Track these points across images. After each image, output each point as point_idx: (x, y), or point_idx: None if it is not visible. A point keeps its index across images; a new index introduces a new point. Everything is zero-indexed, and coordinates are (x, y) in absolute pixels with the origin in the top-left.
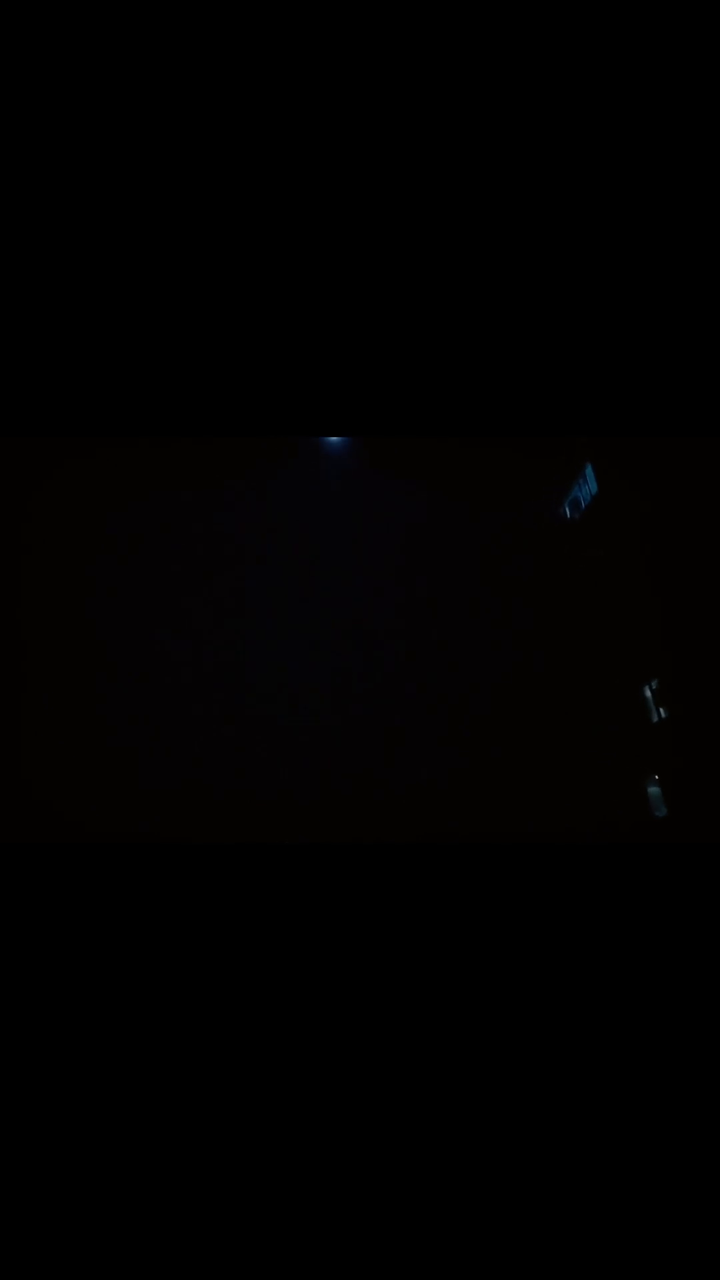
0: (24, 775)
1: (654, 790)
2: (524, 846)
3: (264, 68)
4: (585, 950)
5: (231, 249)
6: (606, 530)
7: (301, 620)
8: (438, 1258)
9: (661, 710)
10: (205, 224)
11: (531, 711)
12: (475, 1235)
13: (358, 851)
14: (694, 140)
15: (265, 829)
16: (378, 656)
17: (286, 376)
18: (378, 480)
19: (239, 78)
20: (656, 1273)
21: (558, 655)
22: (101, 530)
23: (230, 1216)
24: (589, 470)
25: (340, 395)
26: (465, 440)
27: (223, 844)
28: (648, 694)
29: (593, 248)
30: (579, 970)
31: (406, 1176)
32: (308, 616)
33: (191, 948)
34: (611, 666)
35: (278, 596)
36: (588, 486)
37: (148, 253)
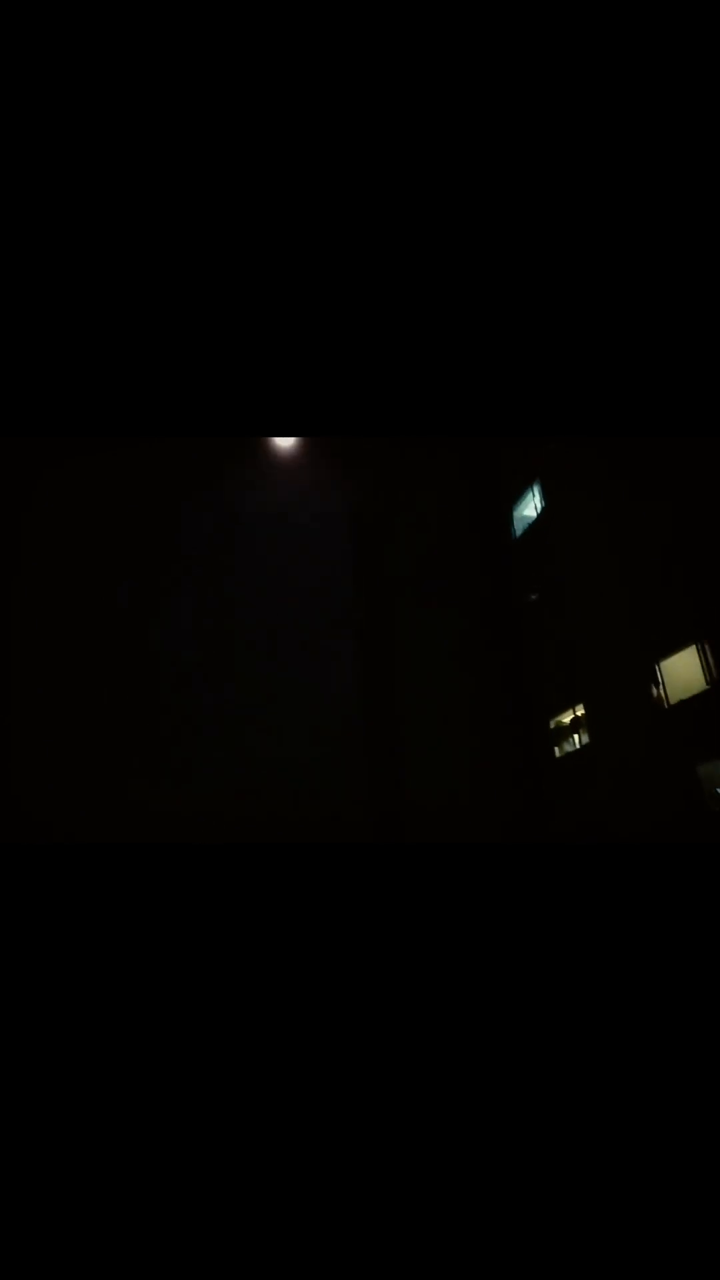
0: (16, 775)
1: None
2: (524, 847)
3: (257, 69)
4: (586, 952)
5: (228, 249)
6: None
7: (301, 620)
8: (438, 1258)
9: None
10: (201, 224)
11: (530, 711)
12: (475, 1236)
13: (357, 851)
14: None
15: (264, 829)
16: (377, 656)
17: (284, 376)
18: (377, 480)
19: (233, 80)
20: (656, 1273)
21: (557, 654)
22: (98, 531)
23: (230, 1217)
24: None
25: (340, 395)
26: (467, 439)
27: (220, 844)
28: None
29: (589, 254)
30: (581, 972)
31: (407, 1180)
32: (307, 616)
33: (189, 950)
34: (616, 664)
35: (277, 596)
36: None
37: (145, 254)
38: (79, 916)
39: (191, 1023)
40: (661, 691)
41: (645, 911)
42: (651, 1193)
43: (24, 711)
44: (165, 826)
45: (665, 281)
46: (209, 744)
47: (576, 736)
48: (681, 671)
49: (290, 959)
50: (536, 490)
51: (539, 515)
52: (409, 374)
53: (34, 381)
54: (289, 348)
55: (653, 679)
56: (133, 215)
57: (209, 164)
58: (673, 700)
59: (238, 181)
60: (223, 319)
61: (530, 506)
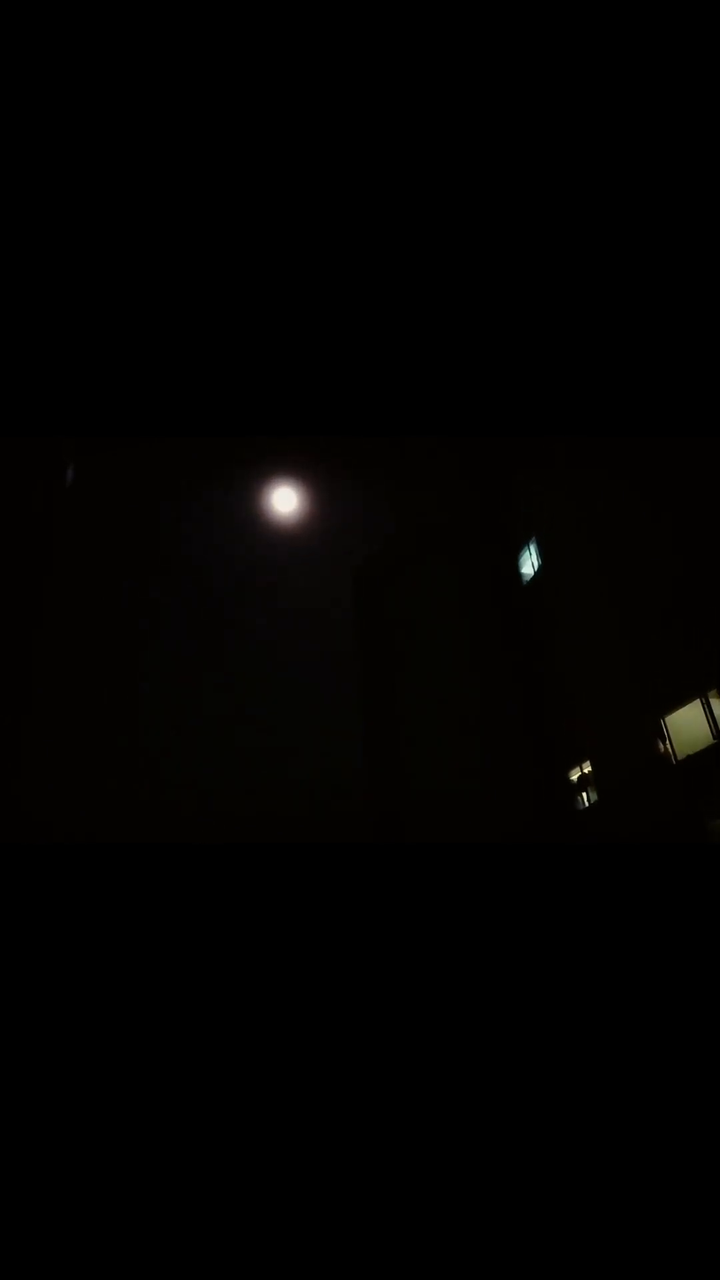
0: (16, 775)
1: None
2: (523, 847)
3: (261, 78)
4: (587, 952)
5: (226, 253)
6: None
7: (302, 620)
8: (437, 1258)
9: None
10: (201, 228)
11: (530, 712)
12: (475, 1236)
13: (357, 851)
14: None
15: (264, 829)
16: (378, 656)
17: (283, 376)
18: (375, 481)
19: (236, 90)
20: (656, 1273)
21: (556, 657)
22: (98, 534)
23: (230, 1218)
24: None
25: (341, 397)
26: (469, 439)
27: (220, 844)
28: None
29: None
30: (581, 972)
31: (407, 1178)
32: (309, 616)
33: (189, 949)
34: (617, 670)
35: (279, 598)
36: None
37: (144, 256)
38: (79, 916)
39: (192, 1023)
40: (669, 746)
41: (645, 911)
42: (651, 1190)
43: (24, 712)
44: (165, 826)
45: (665, 282)
46: (209, 744)
47: (584, 794)
48: (688, 726)
49: (290, 959)
50: (533, 548)
51: (536, 572)
52: (410, 375)
53: (35, 383)
54: (297, 351)
55: (659, 733)
56: (140, 227)
57: (212, 177)
58: (680, 755)
59: (242, 189)
60: (229, 324)
61: (528, 564)
